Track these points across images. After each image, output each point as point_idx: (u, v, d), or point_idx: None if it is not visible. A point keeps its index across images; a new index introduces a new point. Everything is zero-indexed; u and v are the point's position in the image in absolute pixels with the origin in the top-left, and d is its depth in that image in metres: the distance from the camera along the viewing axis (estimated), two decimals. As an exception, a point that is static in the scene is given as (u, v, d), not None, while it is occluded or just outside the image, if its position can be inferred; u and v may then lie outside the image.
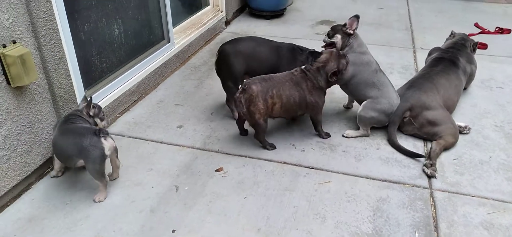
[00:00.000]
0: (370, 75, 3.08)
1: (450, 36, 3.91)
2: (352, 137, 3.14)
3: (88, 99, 2.75)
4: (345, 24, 3.18)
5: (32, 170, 2.62)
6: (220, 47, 3.28)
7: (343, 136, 3.16)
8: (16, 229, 2.32)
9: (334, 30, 3.25)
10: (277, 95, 2.81)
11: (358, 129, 3.17)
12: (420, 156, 2.90)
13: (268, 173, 2.76)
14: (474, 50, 3.73)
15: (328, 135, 3.13)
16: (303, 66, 3.00)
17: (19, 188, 2.58)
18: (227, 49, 3.23)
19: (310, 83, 2.90)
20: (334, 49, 3.05)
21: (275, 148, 3.00)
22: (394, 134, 3.04)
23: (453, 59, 3.48)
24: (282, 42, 3.39)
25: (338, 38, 3.20)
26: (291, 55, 3.29)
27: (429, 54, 3.82)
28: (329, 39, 3.26)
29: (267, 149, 2.98)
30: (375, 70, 3.11)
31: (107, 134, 2.43)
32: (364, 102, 3.11)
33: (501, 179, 2.72)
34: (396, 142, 3.00)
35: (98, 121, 2.79)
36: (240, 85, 2.94)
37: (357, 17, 3.14)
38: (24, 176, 2.58)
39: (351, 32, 3.16)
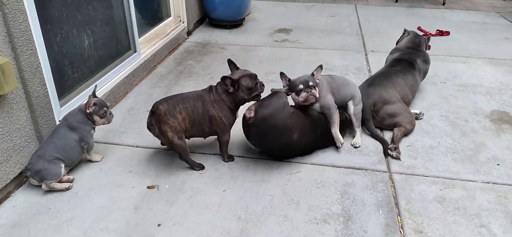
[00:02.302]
0: (341, 84, 3.26)
1: (404, 34, 4.28)
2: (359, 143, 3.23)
3: (92, 93, 2.85)
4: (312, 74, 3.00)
5: (11, 178, 2.65)
6: None
7: (353, 146, 3.21)
8: (0, 234, 2.36)
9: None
10: (183, 109, 2.79)
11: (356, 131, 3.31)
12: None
13: (243, 167, 2.95)
14: (427, 47, 4.13)
15: (231, 159, 3.03)
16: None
17: (-1, 196, 2.61)
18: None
19: (212, 96, 2.87)
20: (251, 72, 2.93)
21: (204, 168, 2.92)
22: (373, 127, 3.31)
23: (411, 61, 3.82)
24: None
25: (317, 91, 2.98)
26: None
27: (391, 53, 4.14)
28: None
29: (195, 169, 2.91)
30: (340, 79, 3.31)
31: (28, 176, 2.67)
32: (350, 102, 3.24)
33: (449, 160, 3.07)
34: (377, 133, 3.29)
35: (97, 118, 2.85)
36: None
37: (320, 67, 3.01)
38: (4, 184, 2.60)
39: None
